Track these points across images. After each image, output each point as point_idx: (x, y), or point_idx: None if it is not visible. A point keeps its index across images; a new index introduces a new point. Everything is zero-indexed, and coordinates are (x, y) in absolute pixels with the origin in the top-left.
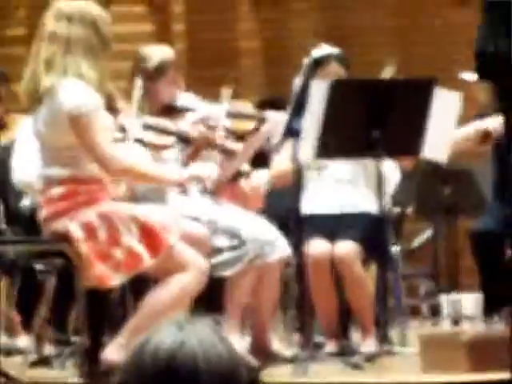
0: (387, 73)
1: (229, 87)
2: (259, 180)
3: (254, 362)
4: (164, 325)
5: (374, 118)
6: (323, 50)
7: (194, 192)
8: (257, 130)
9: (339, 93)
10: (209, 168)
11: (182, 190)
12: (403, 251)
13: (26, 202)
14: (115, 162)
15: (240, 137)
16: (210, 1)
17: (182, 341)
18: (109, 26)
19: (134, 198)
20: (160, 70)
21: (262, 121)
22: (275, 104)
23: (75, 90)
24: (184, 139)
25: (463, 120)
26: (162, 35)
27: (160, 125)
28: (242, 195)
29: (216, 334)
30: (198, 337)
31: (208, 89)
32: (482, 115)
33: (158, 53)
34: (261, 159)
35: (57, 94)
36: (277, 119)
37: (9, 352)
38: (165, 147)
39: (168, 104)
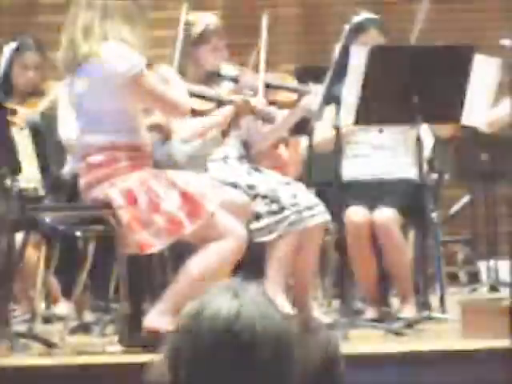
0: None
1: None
2: (298, 147)
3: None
4: (217, 291)
5: (413, 84)
6: (363, 16)
7: (233, 159)
8: (298, 101)
9: (379, 58)
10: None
11: (223, 158)
12: (441, 218)
13: (66, 170)
14: (182, 103)
15: (280, 108)
16: None
17: (239, 308)
18: None
19: (174, 165)
20: (203, 37)
21: (303, 93)
22: (312, 72)
23: (122, 51)
24: (225, 105)
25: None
26: (199, 3)
27: (201, 90)
28: (281, 162)
29: (267, 297)
30: (254, 303)
31: (242, 57)
32: None
33: (202, 19)
34: (300, 126)
35: (99, 58)
36: (317, 92)
37: (48, 319)
38: (205, 112)
39: (210, 71)
